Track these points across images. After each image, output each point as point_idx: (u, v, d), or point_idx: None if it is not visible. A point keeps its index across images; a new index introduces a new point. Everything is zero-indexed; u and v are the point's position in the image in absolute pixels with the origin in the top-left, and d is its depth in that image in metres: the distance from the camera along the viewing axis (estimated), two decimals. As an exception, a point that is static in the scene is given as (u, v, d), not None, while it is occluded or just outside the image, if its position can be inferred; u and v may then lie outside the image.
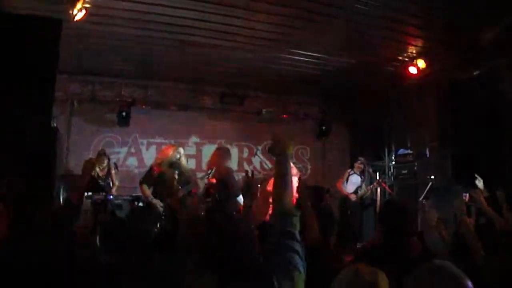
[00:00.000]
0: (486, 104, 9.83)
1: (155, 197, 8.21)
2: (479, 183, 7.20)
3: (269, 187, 10.88)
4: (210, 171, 8.38)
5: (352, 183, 12.00)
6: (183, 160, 8.67)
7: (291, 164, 9.29)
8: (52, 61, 6.90)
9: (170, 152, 8.52)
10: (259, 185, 10.49)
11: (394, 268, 2.56)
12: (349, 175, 12.15)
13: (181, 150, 8.67)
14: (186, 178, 8.57)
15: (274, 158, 3.10)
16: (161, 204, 8.13)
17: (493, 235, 4.63)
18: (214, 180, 8.45)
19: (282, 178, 3.00)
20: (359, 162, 12.35)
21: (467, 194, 6.83)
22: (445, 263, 2.39)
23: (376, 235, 3.86)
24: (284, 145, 3.12)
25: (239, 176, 12.55)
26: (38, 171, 6.50)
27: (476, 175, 7.37)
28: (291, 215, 2.82)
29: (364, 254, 3.95)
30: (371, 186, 12.14)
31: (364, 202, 12.05)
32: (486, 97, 9.88)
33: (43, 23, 6.96)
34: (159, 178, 8.15)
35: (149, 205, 8.45)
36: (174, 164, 8.38)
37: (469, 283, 2.27)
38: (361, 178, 12.19)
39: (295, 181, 10.01)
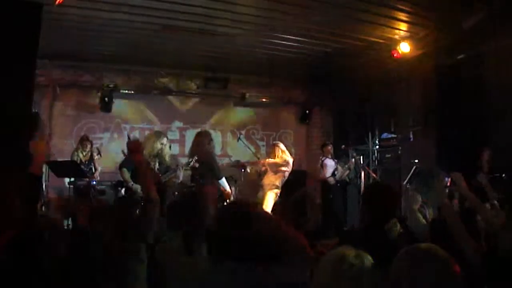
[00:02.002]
0: (471, 89, 9.85)
1: (135, 182, 8.15)
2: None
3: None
4: (191, 160, 8.38)
5: (328, 166, 12.00)
6: (166, 149, 8.62)
7: (284, 149, 9.25)
8: (33, 45, 6.81)
9: (153, 143, 8.47)
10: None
11: (378, 251, 2.54)
12: (322, 161, 12.14)
13: (164, 139, 8.61)
14: (165, 167, 8.55)
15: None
16: (141, 189, 8.07)
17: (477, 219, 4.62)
18: (197, 165, 8.46)
19: None
20: (327, 145, 12.38)
21: (449, 178, 6.85)
22: (432, 246, 2.36)
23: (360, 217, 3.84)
24: None
25: (222, 161, 12.59)
26: (18, 158, 6.44)
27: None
28: None
29: (348, 237, 3.94)
30: (347, 165, 12.16)
31: (342, 183, 12.06)
32: (470, 82, 9.91)
33: (23, 7, 6.86)
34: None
35: (128, 190, 8.38)
36: (155, 155, 8.36)
37: (457, 267, 2.25)
38: (334, 160, 12.20)
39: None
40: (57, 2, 8.02)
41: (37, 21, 6.84)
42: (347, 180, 12.24)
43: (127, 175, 8.37)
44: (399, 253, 2.37)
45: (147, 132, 12.50)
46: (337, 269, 2.24)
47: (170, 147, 9.02)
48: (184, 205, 4.90)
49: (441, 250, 2.31)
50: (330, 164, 12.06)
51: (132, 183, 8.22)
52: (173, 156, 10.21)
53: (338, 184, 11.93)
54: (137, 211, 5.40)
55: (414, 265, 2.25)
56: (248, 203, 3.24)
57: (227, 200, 8.93)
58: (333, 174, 11.92)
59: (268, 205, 10.17)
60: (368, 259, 2.29)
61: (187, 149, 11.61)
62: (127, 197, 8.60)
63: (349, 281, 2.21)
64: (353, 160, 12.25)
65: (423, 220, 4.84)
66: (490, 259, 3.46)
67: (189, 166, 8.47)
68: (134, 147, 4.47)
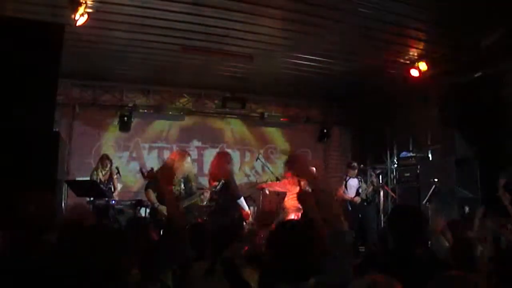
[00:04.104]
0: (489, 107, 9.81)
1: (161, 203, 8.15)
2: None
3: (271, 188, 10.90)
4: (217, 183, 8.36)
5: (352, 187, 11.89)
6: (191, 169, 8.64)
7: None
8: (54, 65, 6.88)
9: (181, 162, 8.47)
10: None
11: (404, 276, 2.51)
12: (346, 181, 12.04)
13: (188, 159, 8.62)
14: (191, 188, 8.54)
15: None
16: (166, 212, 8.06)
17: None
18: (218, 187, 8.43)
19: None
20: (353, 168, 12.24)
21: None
22: (461, 274, 2.33)
23: (383, 240, 3.78)
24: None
25: (240, 181, 12.56)
26: (40, 177, 6.47)
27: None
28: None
29: (372, 260, 3.88)
30: (369, 182, 12.07)
31: (366, 201, 11.92)
32: (488, 100, 9.87)
33: (46, 28, 6.93)
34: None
35: (154, 211, 8.37)
36: (182, 176, 8.37)
37: None
38: (357, 178, 12.09)
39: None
40: (78, 23, 8.10)
41: (59, 41, 6.91)
42: (366, 200, 12.01)
43: (153, 196, 8.36)
44: (430, 281, 2.34)
45: (165, 152, 12.55)
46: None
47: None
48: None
49: (473, 276, 2.27)
50: (353, 183, 11.91)
51: (158, 204, 8.20)
52: (196, 176, 10.19)
53: (365, 203, 11.78)
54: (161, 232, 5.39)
55: None
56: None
57: (246, 221, 8.89)
58: (358, 193, 11.81)
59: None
60: (397, 286, 2.26)
61: (205, 169, 11.62)
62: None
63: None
64: (375, 175, 12.14)
65: (446, 243, 4.78)
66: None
67: (216, 189, 8.43)
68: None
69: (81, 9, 7.98)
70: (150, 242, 4.47)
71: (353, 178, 11.97)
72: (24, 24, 6.87)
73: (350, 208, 11.68)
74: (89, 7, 8.09)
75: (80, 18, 8.11)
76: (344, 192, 11.88)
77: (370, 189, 11.97)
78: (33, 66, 6.67)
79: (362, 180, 12.16)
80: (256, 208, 11.63)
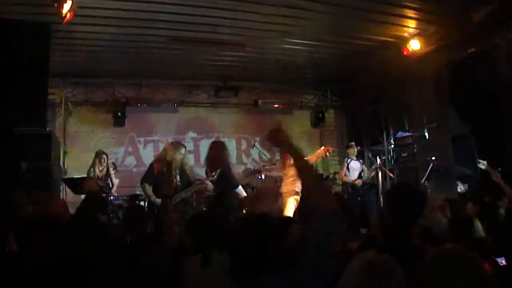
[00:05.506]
0: (484, 83, 9.78)
1: (157, 195, 8.10)
2: (483, 166, 7.15)
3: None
4: (214, 173, 8.30)
5: (354, 169, 11.84)
6: (186, 160, 8.58)
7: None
8: (43, 64, 6.82)
9: (172, 151, 8.42)
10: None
11: (404, 254, 2.48)
12: (347, 163, 12.00)
13: (183, 149, 8.55)
14: (188, 179, 8.48)
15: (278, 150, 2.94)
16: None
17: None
18: (215, 176, 8.39)
19: (304, 170, 2.83)
20: (351, 146, 12.20)
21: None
22: (458, 247, 2.30)
23: (382, 219, 3.73)
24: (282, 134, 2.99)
25: (238, 169, 12.53)
26: (35, 177, 6.46)
27: (479, 160, 7.33)
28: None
29: (372, 241, 3.85)
30: (373, 167, 12.04)
31: (367, 185, 11.88)
32: (483, 75, 9.83)
33: (32, 27, 6.88)
34: (159, 176, 8.06)
35: (150, 204, 8.34)
36: (177, 167, 8.31)
37: (486, 266, 2.20)
38: (359, 161, 12.07)
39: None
40: (64, 21, 8.04)
41: (46, 40, 6.86)
42: (368, 184, 11.93)
43: (149, 189, 8.32)
44: (425, 255, 2.31)
45: (161, 145, 12.48)
46: (365, 274, 2.19)
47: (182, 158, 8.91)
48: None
49: (469, 250, 2.24)
50: (356, 166, 11.85)
51: (154, 197, 8.16)
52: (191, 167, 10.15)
53: (366, 186, 11.75)
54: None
55: (442, 267, 2.19)
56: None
57: (246, 208, 8.87)
58: (360, 176, 11.77)
59: (289, 211, 9.98)
60: (395, 264, 2.23)
61: (202, 159, 11.57)
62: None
63: (377, 286, 2.16)
64: (379, 161, 12.11)
65: (444, 219, 4.74)
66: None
67: (213, 178, 8.38)
68: None
69: (66, 7, 7.93)
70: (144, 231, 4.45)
71: (355, 160, 11.93)
72: (10, 25, 6.82)
73: (351, 191, 11.68)
74: (75, 4, 8.01)
75: (67, 15, 8.05)
76: (345, 174, 11.87)
77: (373, 173, 11.95)
78: (21, 67, 6.61)
79: (364, 163, 12.15)
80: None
